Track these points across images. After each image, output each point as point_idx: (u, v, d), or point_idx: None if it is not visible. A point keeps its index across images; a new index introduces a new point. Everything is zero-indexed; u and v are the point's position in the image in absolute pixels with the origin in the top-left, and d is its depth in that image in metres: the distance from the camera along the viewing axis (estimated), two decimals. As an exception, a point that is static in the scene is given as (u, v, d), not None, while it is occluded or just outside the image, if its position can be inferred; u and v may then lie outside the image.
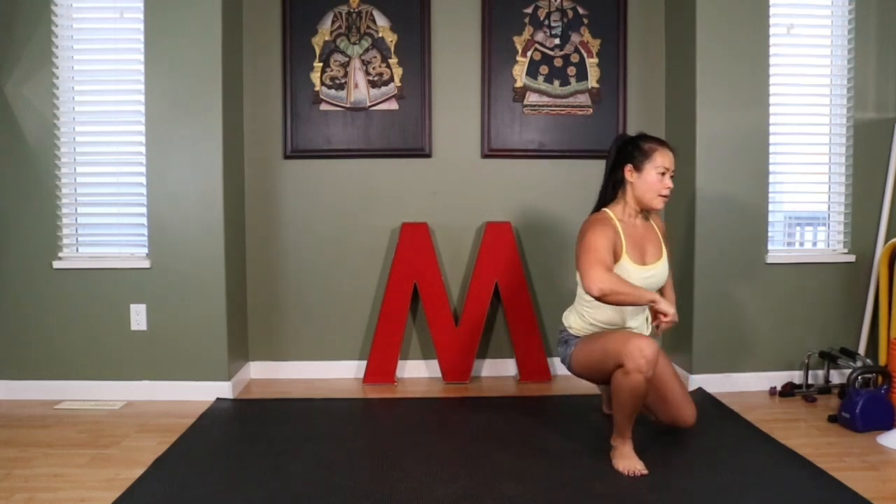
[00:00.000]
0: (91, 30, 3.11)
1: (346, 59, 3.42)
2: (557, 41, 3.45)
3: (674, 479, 2.16)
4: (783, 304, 3.22)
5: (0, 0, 3.03)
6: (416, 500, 2.02)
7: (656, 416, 2.51)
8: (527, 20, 3.44)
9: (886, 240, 3.18)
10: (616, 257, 2.31)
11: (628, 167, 2.35)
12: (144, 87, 3.04)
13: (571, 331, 2.47)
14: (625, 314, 2.40)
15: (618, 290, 2.14)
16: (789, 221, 3.36)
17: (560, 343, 2.51)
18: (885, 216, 3.22)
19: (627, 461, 2.24)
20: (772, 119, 3.19)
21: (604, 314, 2.39)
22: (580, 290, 2.44)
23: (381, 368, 3.35)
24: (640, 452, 2.29)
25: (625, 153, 2.38)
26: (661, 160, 2.31)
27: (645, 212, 2.44)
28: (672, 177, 2.34)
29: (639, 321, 2.44)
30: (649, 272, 2.36)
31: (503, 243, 3.36)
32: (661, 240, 2.45)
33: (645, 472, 2.21)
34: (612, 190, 2.43)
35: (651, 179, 2.31)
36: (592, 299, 2.26)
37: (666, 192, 2.32)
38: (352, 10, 3.41)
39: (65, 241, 3.13)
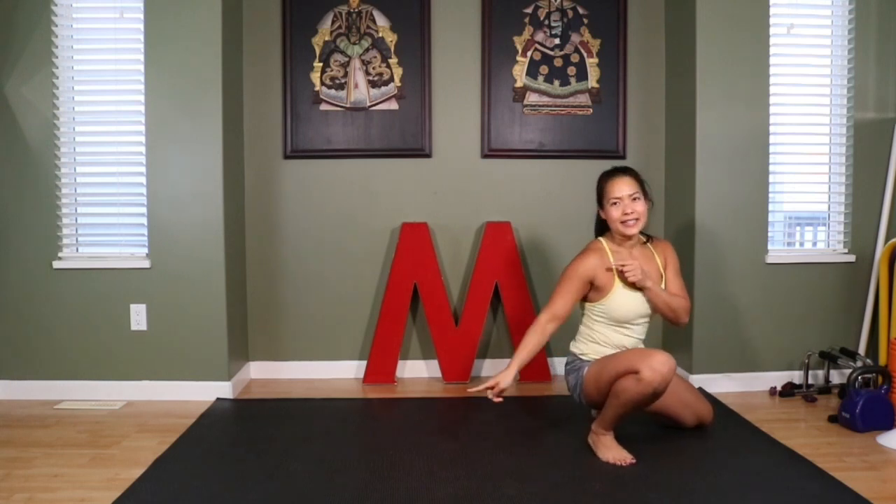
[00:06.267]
0: (91, 30, 3.11)
1: (346, 59, 3.42)
2: (557, 41, 3.45)
3: (674, 478, 2.16)
4: (783, 304, 3.22)
5: (0, 0, 3.03)
6: (416, 500, 2.02)
7: (679, 424, 2.54)
8: (527, 20, 3.44)
9: (886, 240, 3.18)
10: (606, 289, 2.39)
11: (599, 209, 2.49)
12: (144, 88, 3.04)
13: (584, 357, 2.46)
14: (625, 334, 2.44)
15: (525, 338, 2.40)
16: (789, 221, 3.36)
17: (569, 373, 2.51)
18: (885, 216, 3.22)
19: (615, 451, 2.30)
20: (772, 119, 3.18)
21: (607, 333, 2.44)
22: (587, 313, 2.50)
23: (381, 368, 3.35)
24: (640, 452, 2.30)
25: (597, 195, 2.49)
26: (611, 192, 2.40)
27: (646, 239, 2.54)
28: (636, 198, 2.38)
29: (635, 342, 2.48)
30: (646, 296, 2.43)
31: (503, 243, 3.36)
32: (662, 269, 2.50)
33: (633, 460, 2.26)
34: (602, 225, 2.55)
35: (611, 214, 2.41)
36: (598, 318, 2.43)
37: (625, 218, 2.38)
38: (352, 10, 3.41)
39: (65, 241, 3.13)
